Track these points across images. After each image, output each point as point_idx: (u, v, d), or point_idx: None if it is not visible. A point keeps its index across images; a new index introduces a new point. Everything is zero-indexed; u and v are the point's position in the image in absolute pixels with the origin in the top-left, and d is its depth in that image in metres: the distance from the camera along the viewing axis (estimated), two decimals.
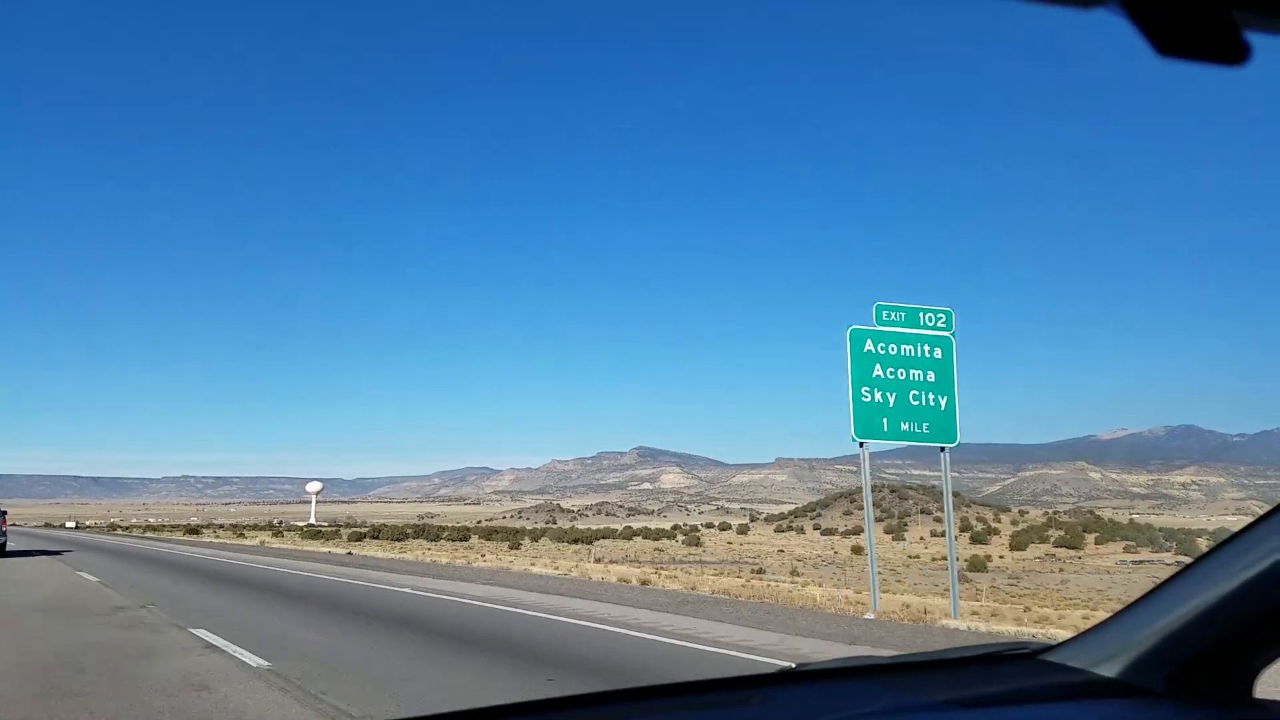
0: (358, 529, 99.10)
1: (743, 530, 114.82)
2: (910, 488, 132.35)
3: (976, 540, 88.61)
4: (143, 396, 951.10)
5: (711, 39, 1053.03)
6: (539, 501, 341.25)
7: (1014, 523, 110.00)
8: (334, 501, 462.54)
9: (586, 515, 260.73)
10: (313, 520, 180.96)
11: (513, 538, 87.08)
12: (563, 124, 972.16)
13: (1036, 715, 1.47)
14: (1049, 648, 1.71)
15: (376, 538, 76.68)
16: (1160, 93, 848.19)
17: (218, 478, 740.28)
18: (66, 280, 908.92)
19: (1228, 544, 1.37)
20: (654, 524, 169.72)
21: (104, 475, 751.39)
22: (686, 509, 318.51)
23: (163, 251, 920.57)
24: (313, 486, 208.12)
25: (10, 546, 28.49)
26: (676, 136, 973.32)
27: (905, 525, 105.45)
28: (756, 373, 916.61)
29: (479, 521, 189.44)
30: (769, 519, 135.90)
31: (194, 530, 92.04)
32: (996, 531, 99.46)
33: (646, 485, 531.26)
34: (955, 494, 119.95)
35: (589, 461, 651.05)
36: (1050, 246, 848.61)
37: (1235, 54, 0.62)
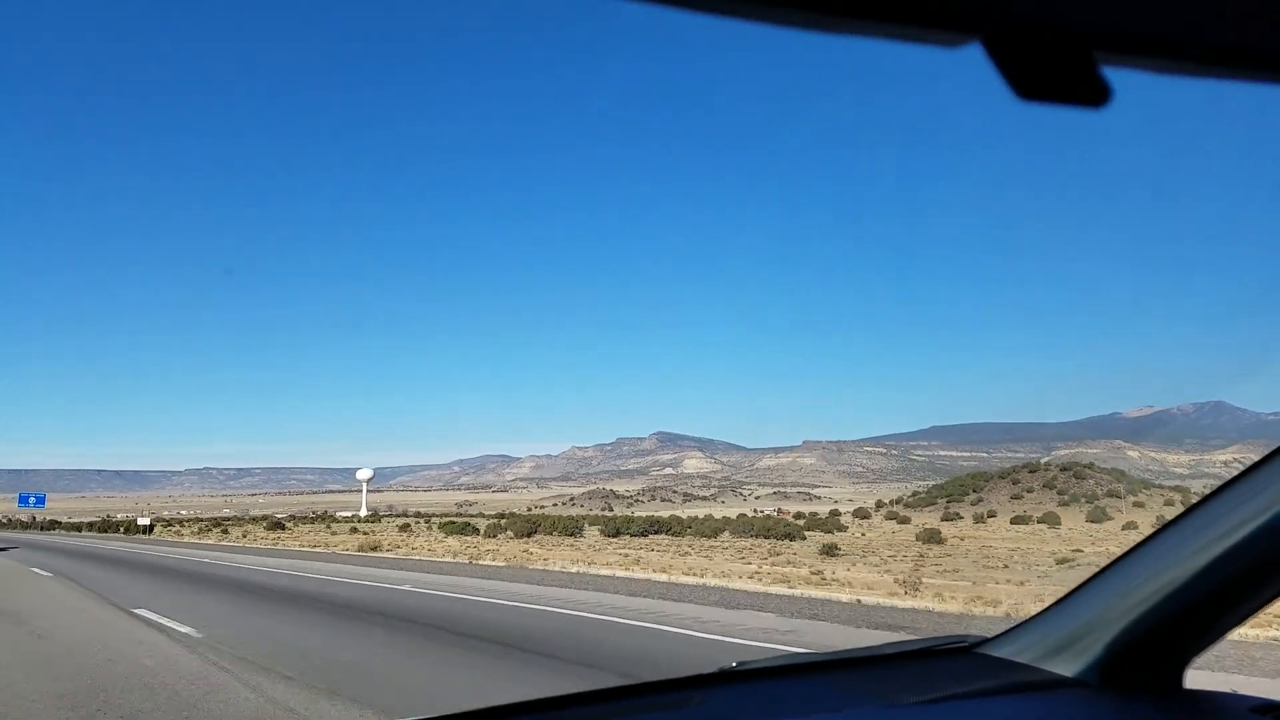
0: (411, 519, 79.09)
1: (902, 520, 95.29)
2: (1087, 466, 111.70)
3: None
4: (161, 389, 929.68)
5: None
6: (591, 487, 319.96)
7: None
8: (357, 491, 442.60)
9: (641, 501, 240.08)
10: (364, 510, 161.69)
11: (663, 530, 66.24)
12: (575, 107, 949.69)
13: (971, 711, 1.42)
14: (985, 640, 1.67)
15: (501, 531, 55.92)
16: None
17: (240, 469, 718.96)
18: (83, 275, 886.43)
19: (1154, 537, 1.35)
20: (718, 511, 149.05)
21: (126, 468, 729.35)
22: (740, 494, 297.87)
23: (176, 243, 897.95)
24: (363, 474, 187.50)
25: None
26: (693, 120, 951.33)
27: (1105, 512, 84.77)
28: (776, 356, 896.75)
29: (530, 509, 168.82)
30: (906, 503, 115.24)
31: (278, 525, 70.89)
32: None
33: (669, 470, 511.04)
34: (1121, 473, 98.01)
35: (609, 448, 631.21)
36: (1062, 222, 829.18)
37: (1097, 96, 0.59)
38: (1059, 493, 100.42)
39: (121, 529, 76.67)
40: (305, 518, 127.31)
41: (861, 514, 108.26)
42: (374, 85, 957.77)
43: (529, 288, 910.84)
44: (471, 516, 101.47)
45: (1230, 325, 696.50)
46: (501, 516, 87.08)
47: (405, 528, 63.14)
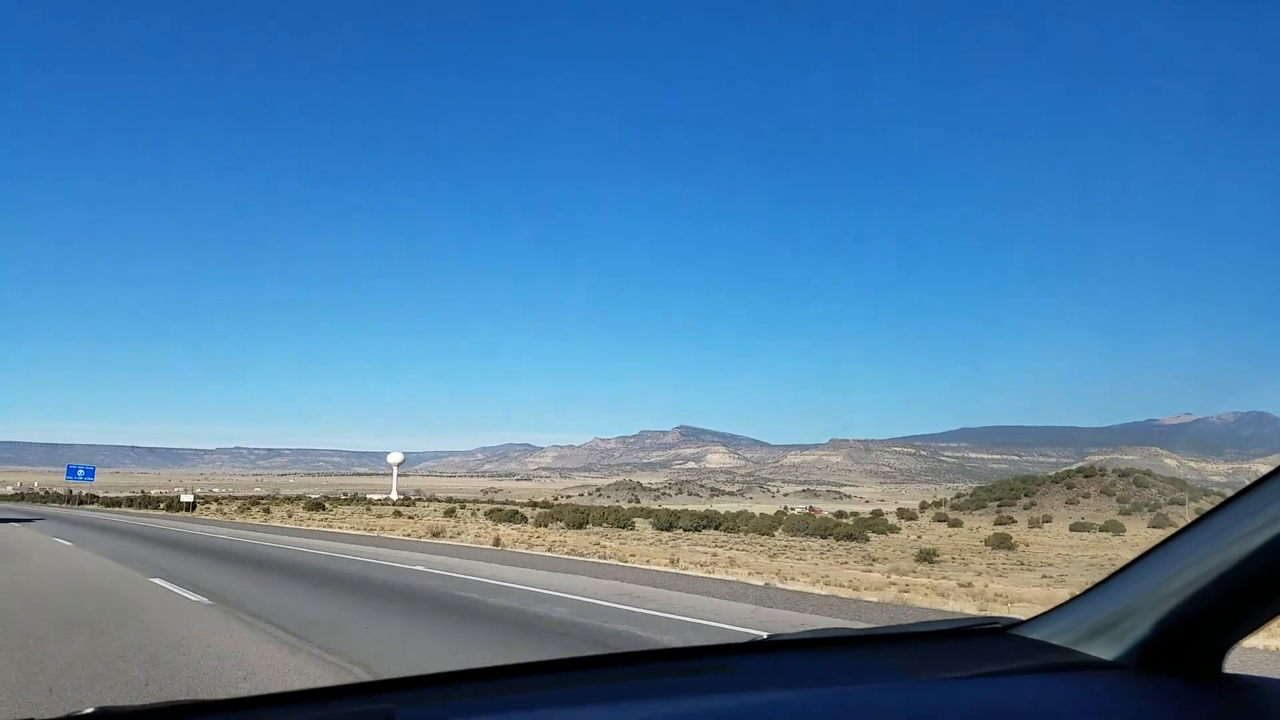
0: (448, 504, 75.95)
1: (953, 523, 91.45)
2: (1145, 473, 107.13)
3: None
4: (194, 370, 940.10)
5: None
6: (617, 479, 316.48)
7: None
8: (383, 474, 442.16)
9: (668, 495, 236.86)
10: (395, 494, 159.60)
11: (713, 525, 63.04)
12: (599, 105, 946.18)
13: (1004, 689, 1.42)
14: (1019, 622, 1.66)
15: (552, 520, 52.84)
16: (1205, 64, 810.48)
17: (269, 449, 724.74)
18: (122, 259, 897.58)
19: (1197, 524, 1.34)
20: (747, 507, 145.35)
21: (159, 445, 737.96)
22: (768, 491, 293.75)
23: (211, 227, 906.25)
24: (394, 458, 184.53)
25: None
26: (722, 117, 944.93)
27: (1168, 520, 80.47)
28: (801, 354, 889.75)
29: (557, 498, 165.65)
30: (953, 505, 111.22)
31: (318, 506, 68.64)
32: None
33: (691, 464, 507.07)
34: (1182, 482, 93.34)
35: (631, 440, 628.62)
36: (1102, 223, 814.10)
37: None
38: (1119, 500, 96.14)
39: (162, 505, 74.75)
40: (339, 499, 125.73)
41: (907, 515, 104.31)
42: (420, 74, 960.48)
43: (556, 280, 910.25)
44: (502, 504, 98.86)
45: (1276, 335, 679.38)
46: (536, 505, 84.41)
47: (450, 513, 60.52)
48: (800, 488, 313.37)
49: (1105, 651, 1.43)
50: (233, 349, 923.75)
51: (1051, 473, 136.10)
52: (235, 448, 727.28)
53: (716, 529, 62.46)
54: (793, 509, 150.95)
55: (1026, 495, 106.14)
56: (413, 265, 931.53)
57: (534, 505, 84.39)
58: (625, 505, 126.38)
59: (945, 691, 1.43)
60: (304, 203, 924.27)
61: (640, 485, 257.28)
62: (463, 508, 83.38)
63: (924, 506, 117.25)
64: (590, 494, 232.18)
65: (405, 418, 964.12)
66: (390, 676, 1.37)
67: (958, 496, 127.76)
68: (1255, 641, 8.32)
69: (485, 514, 56.53)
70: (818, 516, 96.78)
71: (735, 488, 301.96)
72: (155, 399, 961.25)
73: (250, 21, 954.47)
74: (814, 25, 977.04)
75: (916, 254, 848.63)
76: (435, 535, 32.92)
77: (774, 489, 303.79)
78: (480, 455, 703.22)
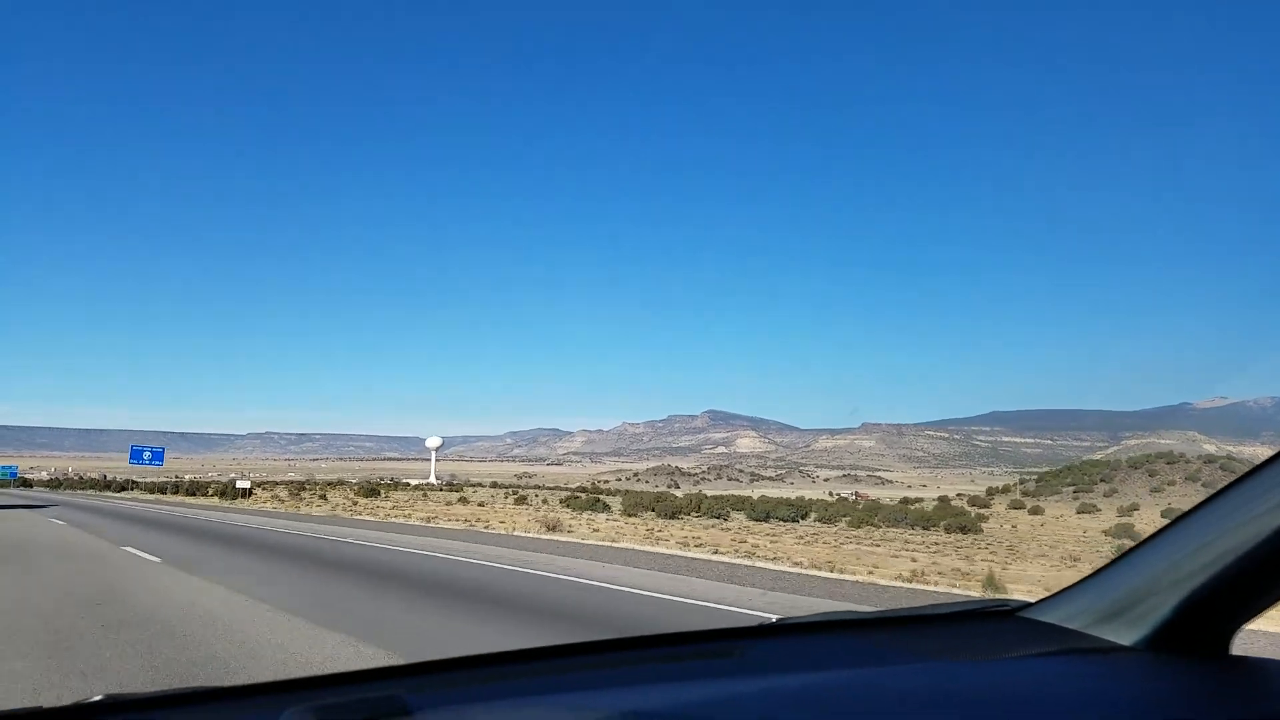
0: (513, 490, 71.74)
1: (1034, 511, 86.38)
2: (1229, 458, 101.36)
3: None
4: (224, 354, 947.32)
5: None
6: (654, 463, 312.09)
7: None
8: (415, 459, 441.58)
9: (708, 480, 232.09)
10: (433, 478, 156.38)
11: (804, 514, 57.94)
12: (634, 97, 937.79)
13: (1014, 671, 1.41)
14: (1028, 605, 1.66)
15: (643, 510, 48.05)
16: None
17: (300, 434, 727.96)
18: (155, 245, 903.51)
19: (1205, 505, 1.33)
20: (789, 492, 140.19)
21: (191, 431, 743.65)
22: (808, 476, 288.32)
23: (237, 214, 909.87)
24: (432, 442, 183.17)
25: None
26: (739, 99, 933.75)
27: None
28: (829, 336, 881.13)
29: (594, 483, 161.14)
30: (1024, 491, 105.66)
31: (372, 492, 64.32)
32: None
33: (721, 449, 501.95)
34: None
35: (660, 425, 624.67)
36: (1127, 205, 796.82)
37: None
38: (1204, 485, 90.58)
39: (211, 491, 70.91)
40: (383, 484, 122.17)
41: (979, 502, 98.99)
42: (445, 58, 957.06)
43: (582, 266, 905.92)
44: (547, 489, 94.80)
45: None
46: (587, 491, 79.92)
47: (521, 500, 56.07)
48: (837, 472, 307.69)
49: (1114, 633, 1.43)
50: (262, 335, 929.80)
51: (1097, 456, 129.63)
52: (266, 433, 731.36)
53: (804, 518, 57.58)
54: (839, 494, 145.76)
55: (1103, 481, 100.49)
56: (441, 251, 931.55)
57: (597, 492, 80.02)
58: (678, 493, 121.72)
59: (955, 674, 1.42)
60: (330, 192, 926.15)
61: (679, 470, 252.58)
62: (517, 493, 79.18)
63: (991, 492, 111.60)
64: (627, 478, 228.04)
65: (435, 402, 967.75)
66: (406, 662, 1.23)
67: (1022, 482, 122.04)
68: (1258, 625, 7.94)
69: (561, 501, 51.92)
70: (859, 500, 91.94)
71: (771, 472, 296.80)
72: (187, 384, 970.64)
73: (275, 14, 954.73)
74: (851, 7, 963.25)
75: (945, 236, 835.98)
76: (551, 529, 28.38)
77: (811, 474, 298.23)
78: (509, 440, 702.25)
